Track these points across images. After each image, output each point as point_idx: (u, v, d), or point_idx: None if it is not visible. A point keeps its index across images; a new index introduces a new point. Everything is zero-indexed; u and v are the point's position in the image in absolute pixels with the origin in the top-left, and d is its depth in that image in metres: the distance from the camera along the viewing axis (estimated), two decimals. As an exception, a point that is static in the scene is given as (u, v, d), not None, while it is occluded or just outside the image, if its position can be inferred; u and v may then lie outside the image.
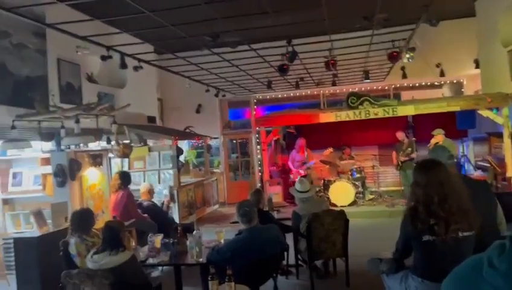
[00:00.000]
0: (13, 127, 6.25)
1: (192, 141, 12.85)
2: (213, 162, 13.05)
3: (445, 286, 1.27)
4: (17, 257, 4.87)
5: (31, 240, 4.85)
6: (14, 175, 6.99)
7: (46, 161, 6.71)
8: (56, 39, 7.41)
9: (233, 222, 5.89)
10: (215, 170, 12.70)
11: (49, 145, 6.93)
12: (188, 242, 4.13)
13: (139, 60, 6.71)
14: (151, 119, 11.25)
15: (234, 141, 13.29)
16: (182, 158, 9.91)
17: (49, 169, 6.65)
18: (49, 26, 5.74)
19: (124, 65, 6.16)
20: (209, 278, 3.07)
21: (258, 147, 12.69)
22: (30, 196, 6.79)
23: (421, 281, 2.52)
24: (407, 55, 7.15)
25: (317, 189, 9.50)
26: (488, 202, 2.80)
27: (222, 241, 4.49)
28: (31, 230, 6.60)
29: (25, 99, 6.80)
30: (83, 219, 4.39)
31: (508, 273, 1.04)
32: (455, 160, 3.03)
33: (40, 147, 6.70)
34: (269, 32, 6.90)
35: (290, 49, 6.19)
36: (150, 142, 9.50)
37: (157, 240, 4.38)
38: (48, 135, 6.88)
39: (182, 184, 9.44)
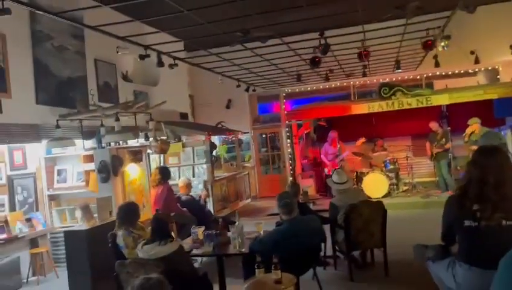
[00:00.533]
0: (57, 127, 6.56)
1: (223, 136, 13.04)
2: (244, 157, 13.21)
3: (501, 267, 1.32)
4: (67, 249, 5.14)
5: (80, 233, 5.10)
6: (59, 172, 7.33)
7: (88, 158, 7.00)
8: (93, 40, 7.69)
9: (270, 214, 5.99)
10: (246, 164, 12.85)
11: (90, 143, 7.26)
12: (230, 233, 4.26)
13: (174, 58, 6.87)
14: (184, 115, 11.48)
15: (264, 135, 13.38)
16: (214, 153, 10.08)
17: (91, 166, 6.94)
18: (88, 27, 5.93)
19: (160, 63, 6.34)
20: (256, 266, 3.18)
21: (288, 140, 12.78)
22: (74, 192, 7.12)
23: (468, 267, 2.54)
24: (442, 44, 7.03)
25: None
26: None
27: (261, 232, 4.60)
28: (77, 224, 6.95)
29: (66, 100, 7.11)
30: (129, 212, 4.59)
31: None
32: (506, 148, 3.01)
33: (82, 145, 7.00)
34: (300, 25, 6.92)
35: (322, 41, 6.22)
36: (183, 138, 9.74)
37: (200, 232, 4.54)
38: (88, 133, 7.19)
39: (215, 178, 9.62)
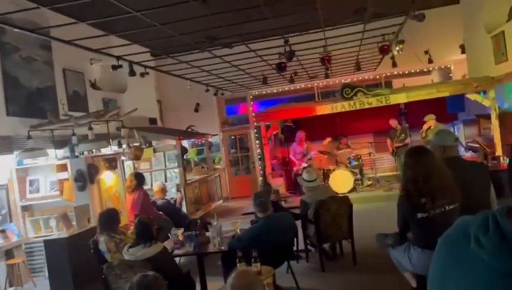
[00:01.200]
0: (29, 137, 6.58)
1: (192, 140, 13.23)
2: (214, 159, 13.44)
3: (440, 244, 1.62)
4: (48, 258, 5.24)
5: (61, 240, 5.22)
6: (31, 183, 7.33)
7: (61, 168, 7.07)
8: (60, 50, 7.73)
9: (244, 214, 6.29)
10: (216, 167, 13.09)
11: (62, 152, 7.31)
12: (209, 233, 4.53)
13: (145, 67, 7.04)
14: (153, 120, 11.60)
15: (233, 137, 13.67)
16: (185, 157, 10.28)
17: (65, 175, 7.02)
18: (60, 41, 6.00)
19: (132, 72, 6.50)
20: (237, 261, 3.47)
21: (257, 141, 13.12)
22: (48, 202, 7.15)
23: (421, 250, 2.96)
24: (397, 48, 7.56)
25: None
26: (484, 182, 3.20)
27: (238, 230, 4.90)
28: (52, 233, 7.02)
29: (37, 110, 7.13)
30: (110, 218, 4.78)
31: (493, 252, 1.31)
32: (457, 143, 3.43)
33: (55, 155, 7.05)
34: (265, 31, 7.24)
35: (287, 48, 6.58)
36: (154, 144, 9.88)
37: (180, 233, 4.78)
38: (60, 143, 7.25)
39: (187, 182, 9.82)
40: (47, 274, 6.91)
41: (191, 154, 12.65)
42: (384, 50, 7.49)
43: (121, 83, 9.95)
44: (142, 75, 7.00)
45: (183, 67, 8.29)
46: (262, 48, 7.48)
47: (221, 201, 12.25)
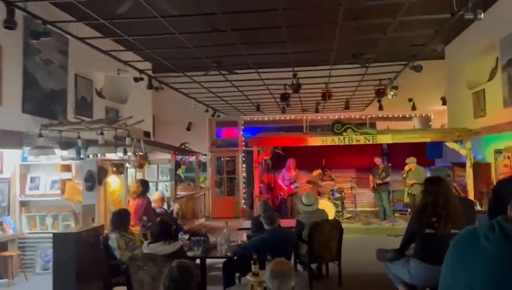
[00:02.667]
0: (40, 135, 6.87)
1: (181, 157, 13.57)
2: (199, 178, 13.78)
3: (452, 245, 2.11)
4: (55, 251, 5.43)
5: (70, 235, 5.45)
6: (32, 179, 7.53)
7: (65, 168, 7.34)
8: (74, 56, 8.14)
9: (239, 229, 6.68)
10: (201, 185, 13.42)
11: (66, 153, 7.57)
12: (218, 239, 4.92)
13: (160, 82, 7.49)
14: (147, 134, 11.88)
15: (222, 159, 14.08)
16: (178, 172, 10.61)
17: (68, 175, 7.29)
18: (79, 39, 6.37)
19: (150, 86, 6.94)
20: (252, 263, 3.89)
21: (244, 165, 13.60)
22: (46, 199, 7.36)
23: (419, 262, 3.47)
24: (392, 92, 8.30)
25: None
26: (471, 213, 3.78)
27: (240, 241, 5.32)
28: (46, 231, 7.21)
29: (48, 111, 7.42)
30: (123, 218, 5.12)
31: (499, 245, 1.82)
32: (450, 179, 4.07)
33: (60, 155, 7.31)
34: (273, 58, 7.82)
35: (294, 81, 7.18)
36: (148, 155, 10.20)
37: (186, 238, 5.15)
38: (66, 144, 7.52)
39: (177, 196, 10.13)
40: (37, 270, 7.12)
41: (179, 171, 12.97)
42: (380, 93, 8.21)
43: (123, 94, 10.33)
44: (157, 89, 7.43)
45: (190, 86, 8.76)
46: (270, 77, 8.04)
47: (203, 219, 12.54)
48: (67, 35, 6.08)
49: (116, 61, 8.92)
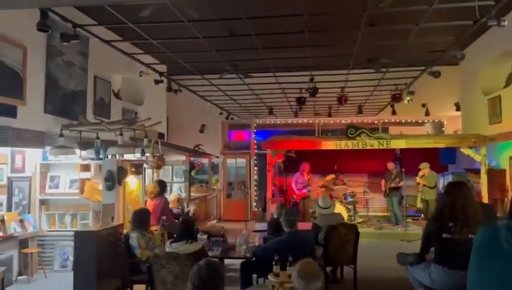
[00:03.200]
0: (61, 135, 7.01)
1: (193, 159, 13.70)
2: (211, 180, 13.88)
3: (476, 254, 2.17)
4: (76, 249, 5.56)
5: (91, 233, 5.57)
6: (52, 178, 7.69)
7: (84, 167, 7.48)
8: (94, 58, 8.30)
9: (255, 231, 6.75)
10: (213, 187, 13.53)
11: (84, 153, 7.71)
12: (237, 240, 5.00)
13: (179, 85, 7.62)
14: (161, 135, 12.04)
15: (233, 161, 14.18)
16: (192, 173, 10.73)
17: (87, 175, 7.43)
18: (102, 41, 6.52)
19: (170, 88, 7.05)
20: (274, 263, 3.96)
21: (255, 168, 13.68)
22: (66, 198, 7.51)
23: (441, 268, 3.50)
24: (408, 97, 8.33)
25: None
26: (492, 217, 3.80)
27: (256, 243, 5.39)
28: (65, 229, 7.36)
29: (68, 111, 7.57)
30: (144, 217, 5.23)
31: None
32: (470, 184, 4.13)
33: (79, 155, 7.46)
34: (290, 62, 7.90)
35: (311, 85, 7.26)
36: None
37: (205, 237, 5.24)
38: (85, 144, 7.66)
39: (190, 197, 10.24)
40: (55, 267, 7.25)
41: (192, 173, 13.10)
42: (396, 98, 8.25)
43: (139, 96, 10.48)
44: (175, 91, 7.55)
45: (205, 89, 8.87)
46: (286, 81, 8.13)
47: (215, 221, 12.64)
48: (94, 38, 6.20)
49: (133, 64, 9.10)
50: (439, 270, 3.52)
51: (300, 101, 8.13)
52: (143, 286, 5.32)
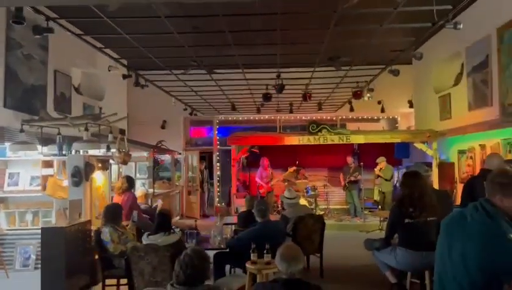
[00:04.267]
0: (21, 131, 6.80)
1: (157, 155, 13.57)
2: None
3: (445, 228, 2.47)
4: (43, 246, 5.44)
5: (59, 229, 5.46)
6: (11, 175, 7.42)
7: (47, 164, 7.27)
8: (54, 52, 8.08)
9: (225, 224, 6.88)
10: (176, 184, 13.47)
11: (46, 149, 7.50)
12: (211, 232, 5.11)
13: (146, 80, 7.57)
14: (122, 132, 11.83)
15: (195, 158, 14.17)
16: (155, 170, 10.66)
17: (50, 171, 7.23)
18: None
19: (137, 83, 7.00)
20: (251, 251, 4.12)
21: (218, 164, 13.77)
22: (26, 196, 7.28)
23: (405, 250, 3.82)
24: (368, 95, 8.74)
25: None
26: (449, 203, 4.17)
27: (228, 235, 5.53)
28: (26, 227, 7.15)
29: (29, 106, 7.34)
30: (116, 212, 5.23)
31: (481, 222, 2.23)
32: (429, 173, 4.50)
33: (40, 151, 7.25)
34: (257, 59, 8.06)
35: (278, 81, 7.47)
36: (126, 153, 10.19)
37: (178, 230, 5.31)
38: (46, 140, 7.45)
39: (154, 194, 10.19)
40: (16, 267, 7.02)
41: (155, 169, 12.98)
42: (357, 95, 8.63)
43: (100, 91, 10.28)
44: (142, 86, 7.50)
45: (169, 84, 8.86)
46: (253, 77, 8.29)
47: (178, 217, 12.61)
48: (67, 32, 6.06)
49: (94, 59, 8.95)
50: (404, 252, 3.83)
51: (267, 98, 8.33)
52: (114, 280, 5.33)
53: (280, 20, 5.50)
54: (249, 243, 4.73)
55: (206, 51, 7.49)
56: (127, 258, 4.17)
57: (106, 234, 5.08)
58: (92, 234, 6.06)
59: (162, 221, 4.38)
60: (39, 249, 6.94)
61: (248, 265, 4.22)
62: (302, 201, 10.85)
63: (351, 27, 6.17)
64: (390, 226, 4.05)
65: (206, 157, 14.63)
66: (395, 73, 7.25)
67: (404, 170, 12.38)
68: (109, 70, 7.56)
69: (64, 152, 7.18)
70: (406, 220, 3.82)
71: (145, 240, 4.32)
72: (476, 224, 2.18)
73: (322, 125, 10.15)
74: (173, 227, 5.51)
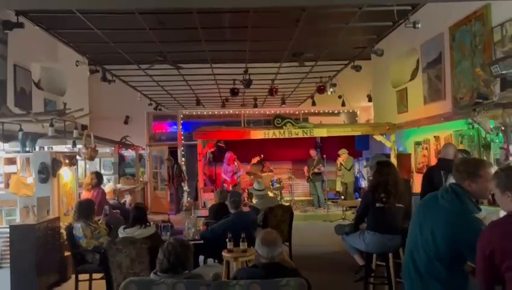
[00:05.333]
0: (-18, 127, 6.58)
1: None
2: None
3: (419, 208, 2.74)
4: (12, 243, 5.36)
5: (28, 227, 5.39)
6: (-30, 174, 7.15)
7: (9, 161, 7.08)
8: (13, 46, 7.83)
9: (198, 217, 6.99)
10: (140, 179, 13.35)
11: (7, 146, 7.29)
12: (186, 224, 5.22)
13: (113, 75, 7.50)
14: (84, 127, 11.60)
15: (159, 153, 14.09)
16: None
17: (13, 168, 7.04)
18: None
19: (104, 78, 6.94)
20: (228, 240, 4.28)
21: (183, 159, 13.77)
22: (-12, 194, 7.06)
23: (374, 233, 4.11)
24: (331, 89, 9.06)
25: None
26: (409, 191, 4.51)
27: (200, 227, 5.66)
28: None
29: (-13, 102, 7.10)
30: (88, 207, 5.24)
31: (450, 201, 2.51)
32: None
33: (2, 148, 7.05)
34: (225, 54, 8.18)
35: (246, 76, 7.63)
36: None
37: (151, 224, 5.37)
38: (7, 137, 7.24)
39: (120, 189, 10.10)
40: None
41: (117, 165, 12.80)
42: (321, 90, 8.92)
43: (61, 86, 10.03)
44: (110, 82, 7.43)
45: (133, 79, 8.82)
46: (220, 72, 8.39)
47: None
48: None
49: (54, 53, 8.74)
50: (372, 236, 4.12)
51: (234, 92, 8.45)
52: (87, 275, 5.33)
53: (251, 17, 5.65)
54: (223, 233, 4.88)
55: (174, 46, 7.53)
56: (104, 252, 4.22)
57: (79, 229, 5.08)
58: (62, 231, 6.02)
59: (138, 214, 4.45)
60: (4, 247, 6.80)
61: (224, 253, 4.37)
62: (269, 193, 11.14)
63: (318, 25, 6.42)
64: (362, 210, 4.35)
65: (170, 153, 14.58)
66: (358, 68, 7.59)
67: (364, 162, 12.95)
68: (77, 66, 7.43)
69: (27, 149, 7.01)
70: (377, 205, 4.13)
71: (122, 233, 4.38)
72: (446, 203, 2.46)
73: (286, 119, 10.40)
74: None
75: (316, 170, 11.55)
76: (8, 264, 6.37)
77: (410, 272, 2.51)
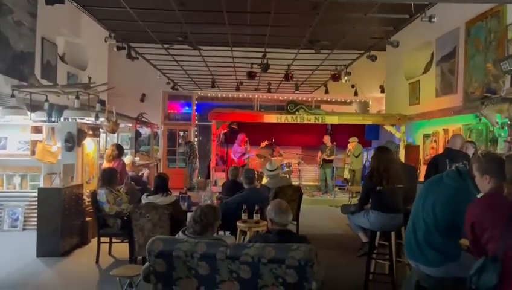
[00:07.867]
0: (12, 96, 6.96)
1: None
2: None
3: (425, 185, 3.03)
4: (40, 205, 5.74)
5: (56, 190, 5.78)
6: (-2, 139, 7.58)
7: (36, 129, 7.47)
8: (43, 20, 8.17)
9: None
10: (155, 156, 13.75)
11: (34, 116, 7.67)
12: (202, 196, 5.57)
13: (136, 52, 7.81)
14: (102, 102, 11.96)
15: (174, 132, 14.48)
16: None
17: (39, 136, 7.44)
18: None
19: (130, 55, 7.25)
20: (242, 211, 4.61)
21: (196, 139, 14.12)
22: (14, 159, 7.49)
23: (377, 212, 4.42)
24: (346, 78, 9.28)
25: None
26: (415, 177, 4.79)
27: (215, 201, 6.00)
28: (14, 190, 7.38)
29: (18, 72, 7.46)
30: (112, 175, 5.59)
31: (454, 178, 2.80)
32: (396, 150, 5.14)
33: (30, 117, 7.42)
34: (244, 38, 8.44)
35: (264, 61, 7.88)
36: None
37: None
38: (34, 106, 7.62)
39: (136, 164, 10.47)
40: (5, 227, 7.26)
41: (132, 141, 13.19)
42: (335, 78, 9.14)
43: (82, 61, 10.38)
44: (133, 59, 7.73)
45: (155, 58, 9.09)
46: (239, 55, 8.62)
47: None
48: None
49: (78, 28, 9.06)
50: (376, 215, 4.44)
51: (251, 76, 8.71)
52: (107, 239, 5.73)
53: (274, 3, 5.89)
54: (237, 207, 5.23)
55: (199, 28, 7.80)
56: (129, 215, 4.58)
57: (103, 195, 5.43)
58: (84, 197, 6.41)
59: (160, 183, 4.79)
60: (27, 210, 7.25)
61: (239, 223, 4.71)
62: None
63: (337, 14, 6.64)
64: (365, 193, 4.65)
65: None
66: (373, 58, 7.80)
67: (372, 151, 13.19)
68: (106, 42, 7.74)
69: (53, 119, 7.39)
70: (378, 188, 4.42)
71: (145, 199, 4.73)
72: (449, 179, 2.76)
73: (299, 105, 10.64)
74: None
75: (326, 157, 11.82)
76: (31, 227, 6.85)
77: (410, 239, 2.83)
